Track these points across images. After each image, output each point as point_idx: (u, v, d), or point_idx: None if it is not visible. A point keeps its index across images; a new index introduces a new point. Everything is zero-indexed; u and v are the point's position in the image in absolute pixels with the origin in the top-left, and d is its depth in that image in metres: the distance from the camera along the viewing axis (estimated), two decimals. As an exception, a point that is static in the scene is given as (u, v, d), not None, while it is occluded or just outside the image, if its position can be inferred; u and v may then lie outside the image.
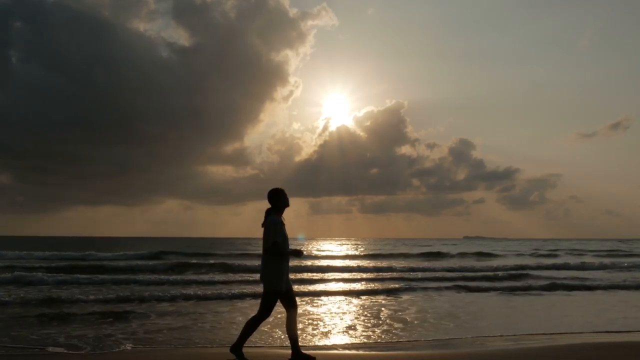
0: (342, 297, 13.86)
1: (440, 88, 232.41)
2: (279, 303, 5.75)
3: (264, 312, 5.74)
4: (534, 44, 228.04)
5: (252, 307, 11.33)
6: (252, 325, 5.79)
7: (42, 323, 9.28)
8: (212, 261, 26.07)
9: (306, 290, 15.32)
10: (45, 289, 14.49)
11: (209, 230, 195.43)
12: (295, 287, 15.70)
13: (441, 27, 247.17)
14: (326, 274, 21.18)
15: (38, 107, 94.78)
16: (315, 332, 8.79)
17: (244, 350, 5.88)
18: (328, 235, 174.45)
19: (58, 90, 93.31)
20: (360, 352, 7.14)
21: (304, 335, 8.39)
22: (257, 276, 6.69)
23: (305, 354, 5.82)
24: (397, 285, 16.50)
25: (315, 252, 40.61)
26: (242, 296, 13.46)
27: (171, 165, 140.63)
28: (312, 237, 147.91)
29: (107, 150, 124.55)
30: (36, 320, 9.50)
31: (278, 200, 5.82)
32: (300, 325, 9.24)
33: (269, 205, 5.79)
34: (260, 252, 5.88)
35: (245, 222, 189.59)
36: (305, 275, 20.28)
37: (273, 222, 5.69)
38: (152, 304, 11.94)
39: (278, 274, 5.65)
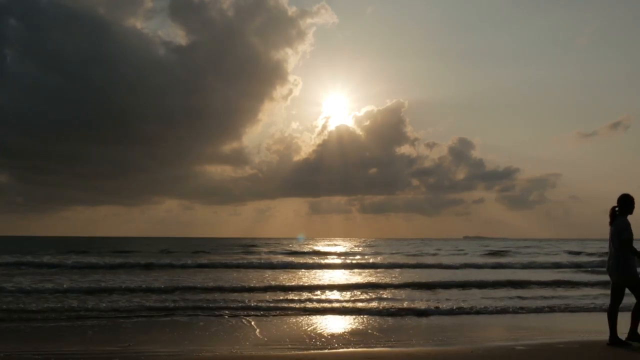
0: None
1: (440, 88, 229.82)
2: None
3: None
4: (533, 42, 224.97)
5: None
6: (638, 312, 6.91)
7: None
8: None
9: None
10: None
11: (209, 230, 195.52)
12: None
13: (441, 27, 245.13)
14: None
15: (34, 107, 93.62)
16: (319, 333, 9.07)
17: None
18: (327, 235, 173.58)
19: (54, 90, 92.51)
20: (359, 349, 7.41)
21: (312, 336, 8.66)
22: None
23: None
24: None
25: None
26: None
27: (170, 165, 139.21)
28: (312, 237, 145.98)
29: (105, 150, 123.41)
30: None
31: (630, 205, 6.92)
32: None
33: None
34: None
35: (244, 222, 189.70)
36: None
37: (628, 222, 6.83)
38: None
39: (636, 265, 6.77)
